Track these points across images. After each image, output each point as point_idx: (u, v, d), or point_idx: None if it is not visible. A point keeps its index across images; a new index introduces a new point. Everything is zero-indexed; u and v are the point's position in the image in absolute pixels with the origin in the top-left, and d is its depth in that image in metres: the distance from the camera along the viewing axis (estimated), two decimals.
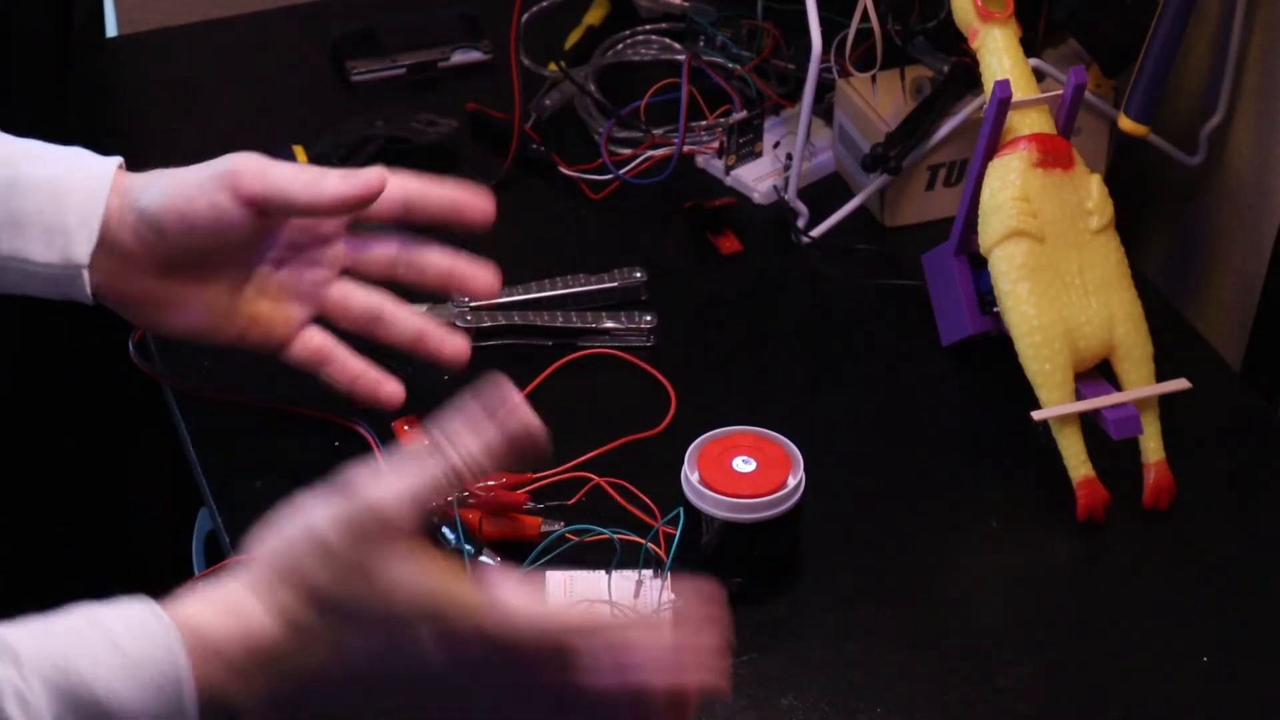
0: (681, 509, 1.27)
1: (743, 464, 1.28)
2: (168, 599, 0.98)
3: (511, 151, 1.59)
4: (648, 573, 1.27)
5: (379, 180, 1.24)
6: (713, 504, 1.26)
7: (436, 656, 0.97)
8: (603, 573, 1.28)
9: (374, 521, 0.97)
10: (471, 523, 1.29)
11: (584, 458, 1.36)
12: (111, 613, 0.97)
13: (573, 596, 1.26)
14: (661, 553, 1.28)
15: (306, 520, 0.98)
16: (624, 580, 1.27)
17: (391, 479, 0.98)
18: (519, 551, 1.29)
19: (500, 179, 1.58)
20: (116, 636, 0.95)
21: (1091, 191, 1.38)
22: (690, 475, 1.28)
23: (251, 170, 1.25)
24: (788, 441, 1.29)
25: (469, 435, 1.00)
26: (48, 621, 0.96)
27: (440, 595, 0.97)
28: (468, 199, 1.28)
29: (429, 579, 0.97)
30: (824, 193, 1.59)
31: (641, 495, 1.33)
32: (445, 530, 1.29)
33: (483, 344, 1.45)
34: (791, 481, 1.27)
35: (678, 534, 1.29)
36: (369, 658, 0.97)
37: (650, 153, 1.60)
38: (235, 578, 0.99)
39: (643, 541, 1.28)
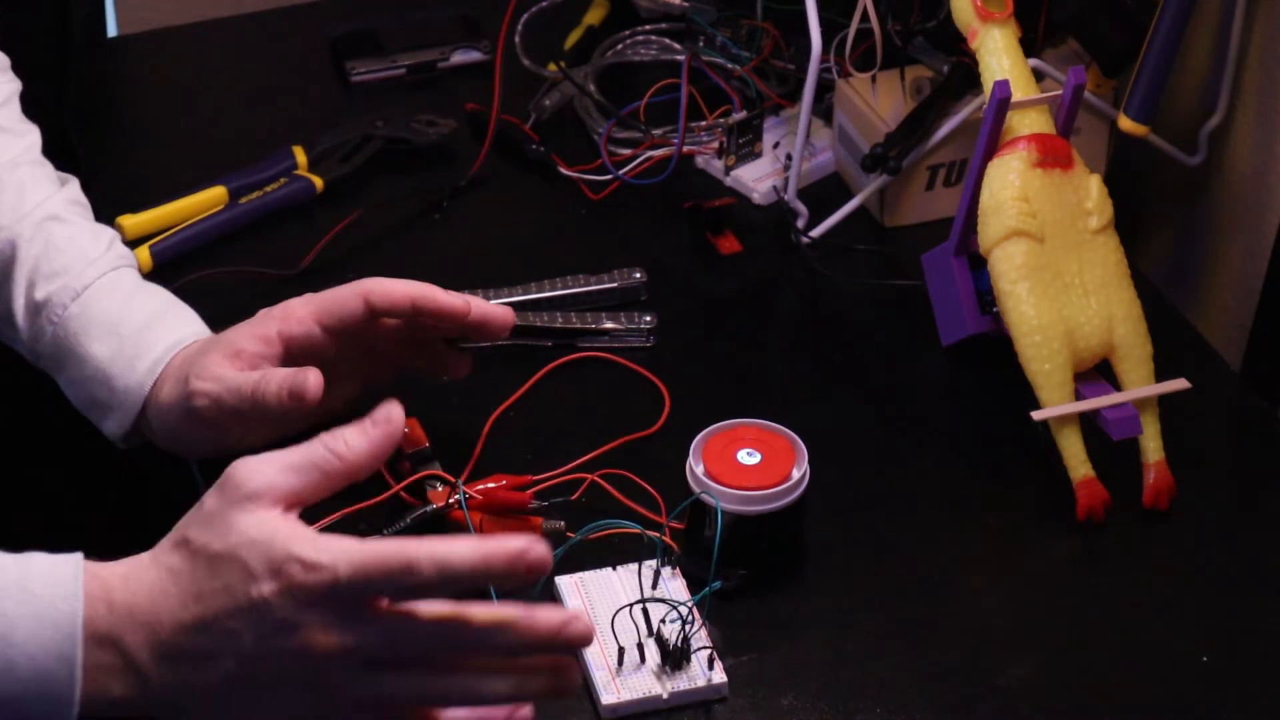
0: (689, 503, 1.27)
1: (747, 456, 1.28)
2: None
3: (486, 145, 1.59)
4: (662, 566, 1.27)
5: (313, 386, 1.28)
6: (718, 497, 1.26)
7: (278, 609, 1.06)
8: (610, 570, 1.28)
9: (239, 487, 1.08)
10: (473, 523, 1.29)
11: (584, 458, 1.36)
12: (40, 559, 1.10)
13: (587, 598, 1.26)
14: (675, 546, 1.28)
15: (203, 497, 1.11)
16: (632, 576, 1.27)
17: (269, 457, 1.09)
18: None
19: (479, 175, 1.59)
20: (31, 578, 1.08)
21: (1091, 191, 1.38)
22: (695, 468, 1.28)
23: (205, 405, 1.31)
24: (792, 434, 1.29)
25: (355, 432, 1.10)
26: None
27: (278, 545, 1.06)
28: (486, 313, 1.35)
29: (276, 535, 1.06)
30: (824, 193, 1.59)
31: (650, 489, 1.33)
32: (445, 533, 1.29)
33: (483, 344, 1.45)
34: (796, 474, 1.28)
35: (685, 527, 1.29)
36: (220, 611, 1.07)
37: (650, 153, 1.60)
38: None
39: (654, 535, 1.28)
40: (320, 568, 1.05)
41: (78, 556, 1.10)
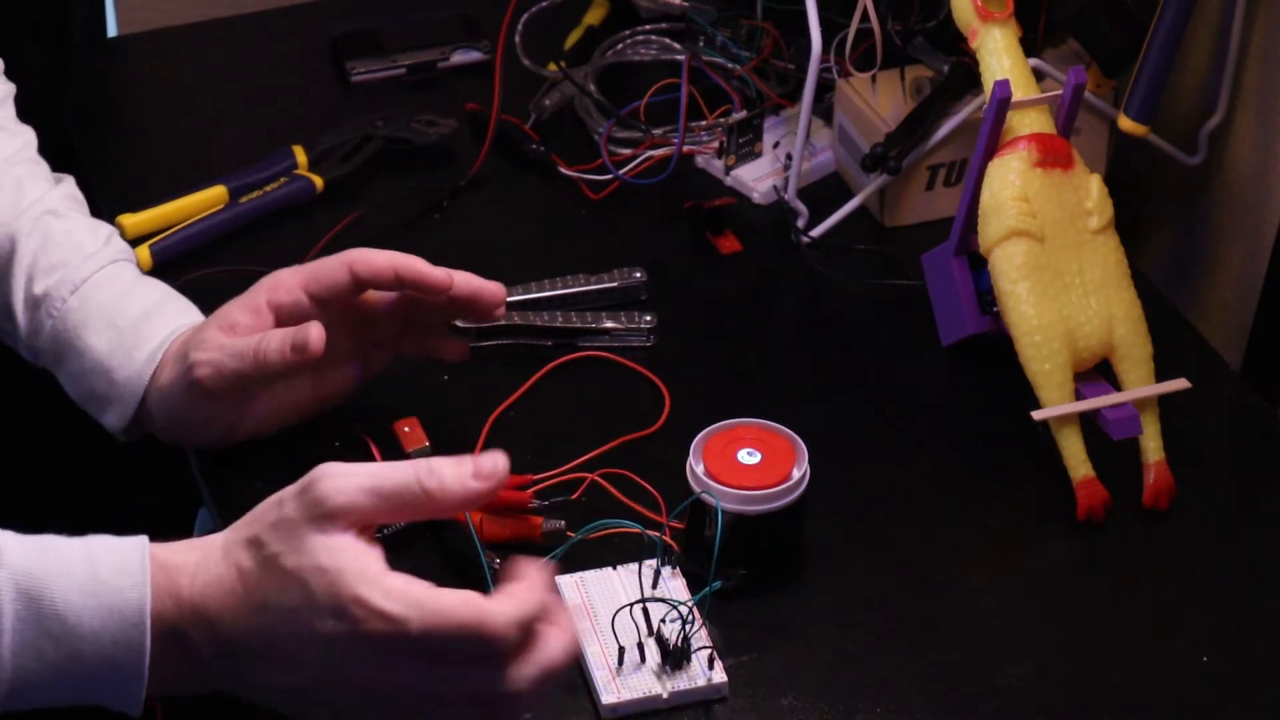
0: (689, 502, 1.27)
1: (747, 456, 1.28)
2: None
3: (486, 145, 1.59)
4: (662, 566, 1.27)
5: (315, 338, 1.29)
6: (718, 496, 1.26)
7: (339, 648, 1.06)
8: (610, 570, 1.28)
9: (321, 502, 1.07)
10: (473, 523, 1.29)
11: (584, 458, 1.36)
12: (105, 543, 1.10)
13: (587, 598, 1.26)
14: (675, 546, 1.29)
15: (280, 494, 1.10)
16: (632, 575, 1.27)
17: (357, 474, 1.09)
18: (521, 552, 1.29)
19: (479, 175, 1.59)
20: (98, 564, 1.08)
21: (1091, 191, 1.38)
22: (695, 467, 1.28)
23: (208, 373, 1.30)
24: (792, 433, 1.29)
25: (451, 469, 1.10)
26: (49, 540, 1.10)
27: (345, 583, 1.06)
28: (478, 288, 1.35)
29: (346, 569, 1.06)
30: (824, 193, 1.59)
31: (650, 489, 1.33)
32: (445, 533, 1.29)
33: (483, 344, 1.45)
34: (796, 474, 1.28)
35: (686, 526, 1.29)
36: (284, 633, 1.07)
37: (650, 153, 1.60)
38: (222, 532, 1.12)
39: (654, 535, 1.28)
40: (386, 618, 1.05)
41: (143, 542, 1.10)
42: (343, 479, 1.08)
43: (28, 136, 1.43)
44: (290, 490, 1.09)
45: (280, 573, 1.07)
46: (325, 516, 1.07)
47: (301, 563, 1.07)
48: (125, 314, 1.35)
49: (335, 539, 1.07)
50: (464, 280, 1.33)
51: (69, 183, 1.43)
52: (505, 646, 1.07)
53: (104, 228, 1.40)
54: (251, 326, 1.32)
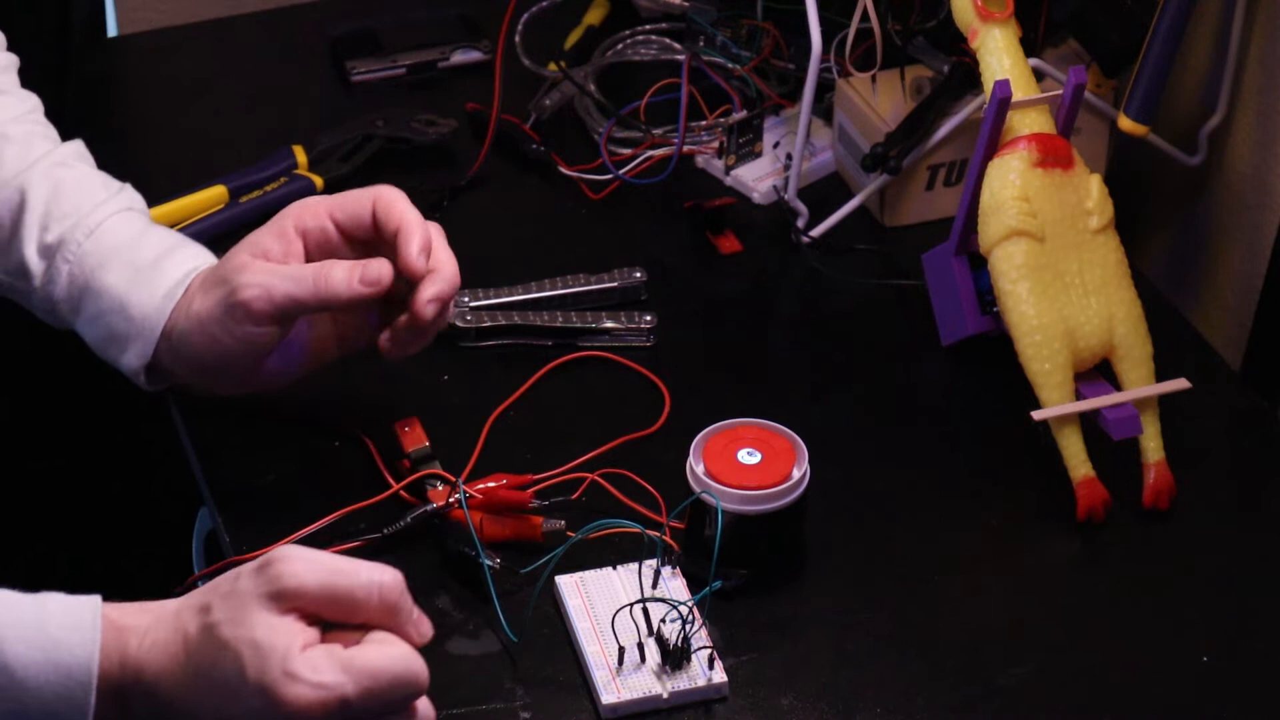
0: (689, 502, 1.27)
1: (747, 456, 1.28)
2: (121, 602, 1.11)
3: (486, 145, 1.59)
4: (662, 565, 1.27)
5: (387, 274, 1.27)
6: (718, 496, 1.26)
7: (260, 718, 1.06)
8: (610, 569, 1.28)
9: (274, 580, 1.07)
10: (473, 523, 1.29)
11: (584, 458, 1.36)
12: (59, 600, 1.09)
13: (587, 598, 1.26)
14: (675, 546, 1.29)
15: (242, 567, 1.10)
16: (632, 575, 1.27)
17: (318, 564, 1.08)
18: (520, 551, 1.29)
19: (479, 175, 1.59)
20: (49, 619, 1.08)
21: (1091, 191, 1.38)
22: (695, 467, 1.28)
23: (256, 295, 1.27)
24: (792, 433, 1.29)
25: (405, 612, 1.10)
26: (1, 593, 1.09)
27: (274, 662, 1.06)
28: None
29: (275, 646, 1.06)
30: (824, 193, 1.59)
31: (650, 489, 1.33)
32: (445, 533, 1.29)
33: (483, 344, 1.45)
34: (796, 474, 1.28)
35: (686, 527, 1.29)
36: (215, 701, 1.07)
37: (650, 153, 1.60)
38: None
39: (654, 535, 1.28)
40: (321, 687, 1.06)
41: (96, 601, 1.09)
42: (302, 563, 1.08)
43: (34, 101, 1.42)
44: (251, 565, 1.09)
45: (217, 642, 1.07)
46: (273, 596, 1.07)
47: (239, 634, 1.06)
48: (143, 253, 1.32)
49: (277, 619, 1.06)
50: (430, 292, 1.28)
51: (78, 143, 1.41)
52: (420, 690, 1.09)
53: (115, 181, 1.38)
54: (283, 253, 1.29)
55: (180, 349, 1.31)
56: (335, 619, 1.09)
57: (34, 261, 1.33)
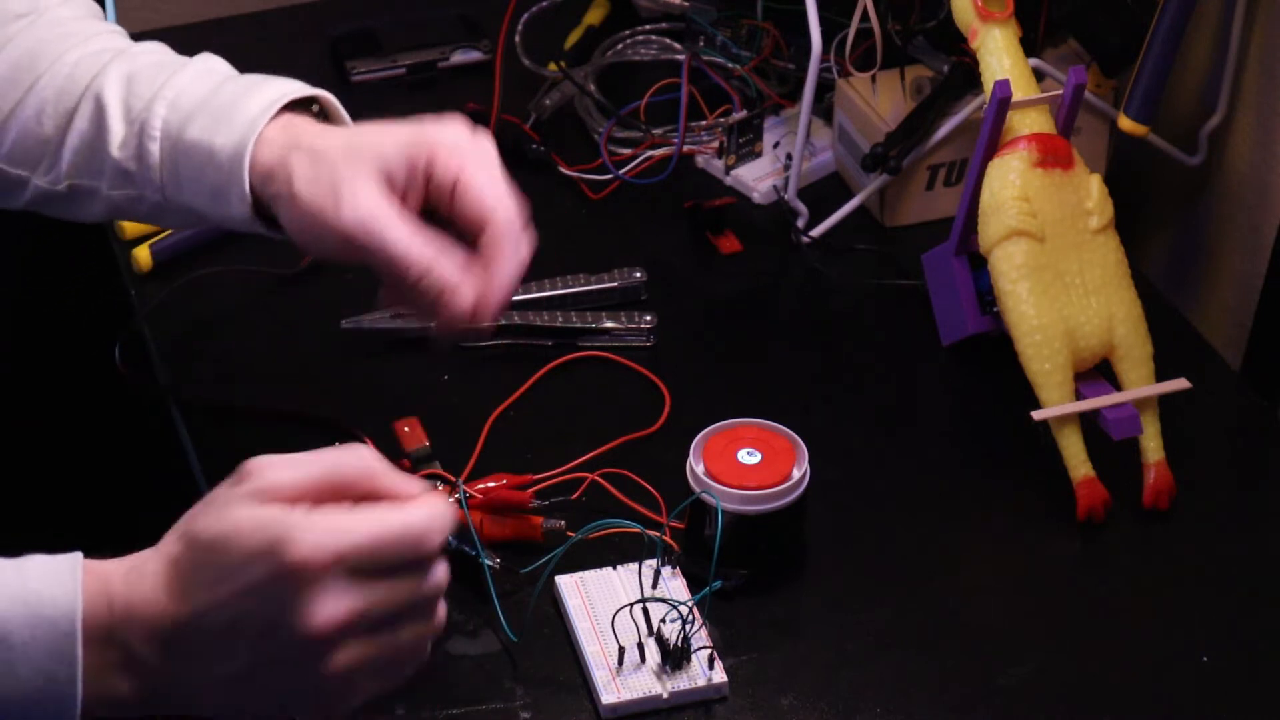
0: (689, 502, 1.27)
1: (747, 456, 1.28)
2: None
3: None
4: (662, 565, 1.27)
5: (466, 314, 1.21)
6: (718, 496, 1.26)
7: (266, 592, 1.02)
8: (610, 569, 1.28)
9: (247, 479, 1.05)
10: (473, 522, 1.29)
11: (584, 458, 1.36)
12: (38, 559, 1.06)
13: (587, 598, 1.26)
14: (675, 546, 1.29)
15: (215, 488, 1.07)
16: (632, 575, 1.27)
17: (290, 458, 1.06)
18: (520, 552, 1.29)
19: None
20: (28, 575, 1.05)
21: (1091, 191, 1.38)
22: (695, 467, 1.28)
23: (360, 236, 1.20)
24: (792, 433, 1.29)
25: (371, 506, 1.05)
26: None
27: (271, 527, 1.02)
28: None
29: (264, 517, 1.03)
30: (824, 193, 1.59)
31: (650, 489, 1.33)
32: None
33: (483, 344, 1.45)
34: (796, 474, 1.28)
35: (686, 526, 1.29)
36: (219, 599, 1.03)
37: (650, 153, 1.60)
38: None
39: (654, 535, 1.28)
40: (321, 541, 1.02)
41: (76, 555, 1.07)
42: (278, 461, 1.05)
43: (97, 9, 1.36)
44: (223, 483, 1.06)
45: (205, 545, 1.03)
46: (254, 494, 1.04)
47: (223, 527, 1.03)
48: (221, 98, 1.25)
49: (269, 506, 1.03)
50: (432, 280, 1.21)
51: (152, 43, 1.34)
52: (434, 545, 1.05)
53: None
54: (404, 187, 1.21)
55: (276, 209, 1.23)
56: (325, 500, 1.05)
57: (127, 154, 1.26)
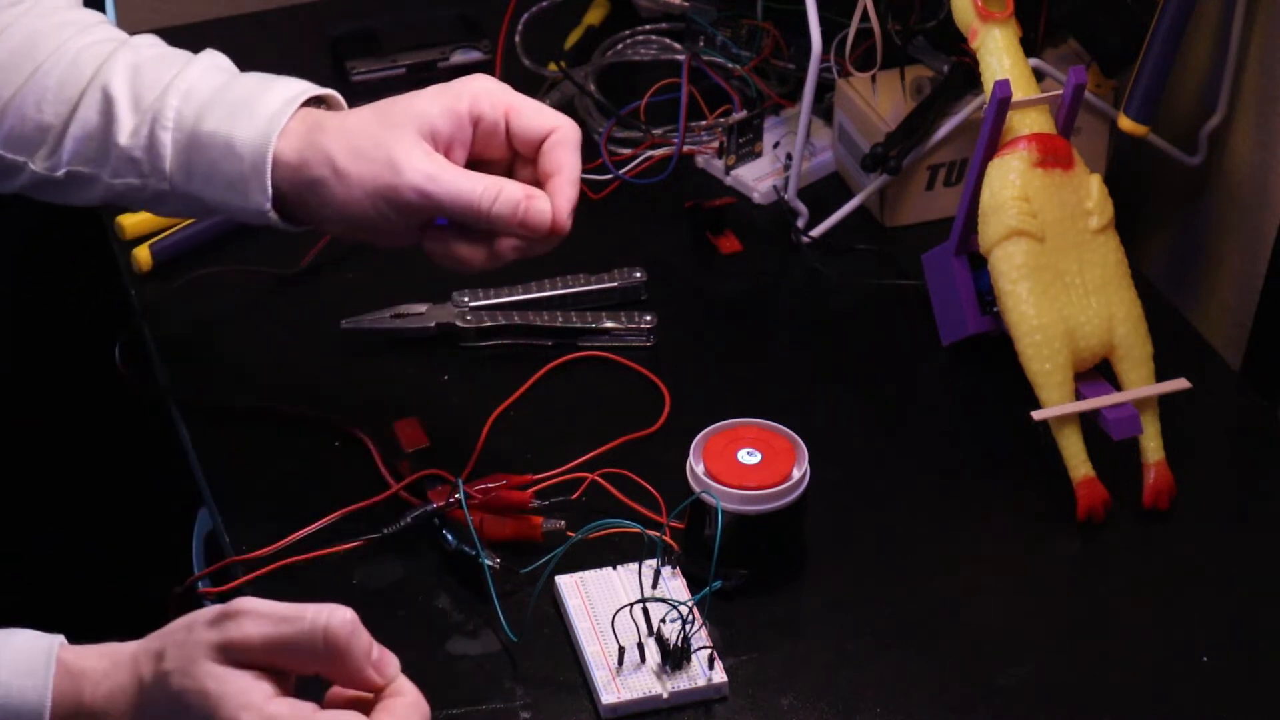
0: (689, 502, 1.27)
1: (747, 456, 1.28)
2: (79, 643, 1.09)
3: None
4: (662, 565, 1.27)
5: (546, 223, 1.25)
6: (718, 496, 1.26)
7: None
8: (610, 570, 1.28)
9: (225, 631, 1.04)
10: (473, 523, 1.29)
11: (584, 458, 1.36)
12: (14, 641, 1.07)
13: (587, 598, 1.26)
14: (675, 546, 1.29)
15: (199, 613, 1.07)
16: (632, 575, 1.27)
17: (268, 615, 1.05)
18: (520, 552, 1.29)
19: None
20: (1, 663, 1.06)
21: (1091, 191, 1.38)
22: (695, 467, 1.28)
23: (412, 197, 1.23)
24: (792, 433, 1.29)
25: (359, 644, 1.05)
26: None
27: (223, 711, 1.03)
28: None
29: (225, 694, 1.03)
30: (824, 193, 1.59)
31: (650, 489, 1.33)
32: (445, 533, 1.29)
33: (483, 344, 1.45)
34: (796, 474, 1.28)
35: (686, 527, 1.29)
36: None
37: (650, 153, 1.60)
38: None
39: (654, 535, 1.28)
40: None
41: (53, 646, 1.07)
42: (250, 618, 1.05)
43: (99, 15, 1.37)
44: (208, 612, 1.06)
45: (168, 692, 1.05)
46: (221, 647, 1.04)
47: (187, 685, 1.04)
48: (236, 92, 1.27)
49: (227, 671, 1.04)
50: (506, 197, 1.24)
51: (148, 35, 1.36)
52: None
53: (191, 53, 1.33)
54: (449, 138, 1.25)
55: (315, 193, 1.26)
56: (290, 669, 1.06)
57: (137, 145, 1.28)
